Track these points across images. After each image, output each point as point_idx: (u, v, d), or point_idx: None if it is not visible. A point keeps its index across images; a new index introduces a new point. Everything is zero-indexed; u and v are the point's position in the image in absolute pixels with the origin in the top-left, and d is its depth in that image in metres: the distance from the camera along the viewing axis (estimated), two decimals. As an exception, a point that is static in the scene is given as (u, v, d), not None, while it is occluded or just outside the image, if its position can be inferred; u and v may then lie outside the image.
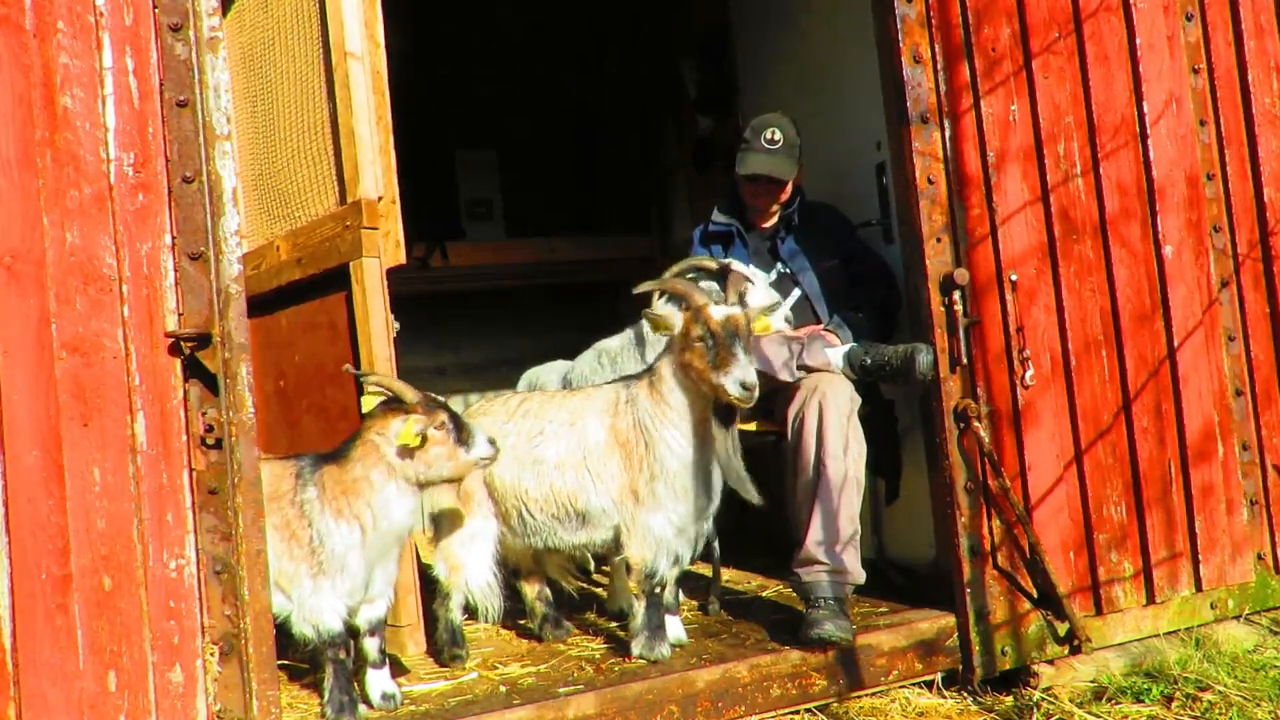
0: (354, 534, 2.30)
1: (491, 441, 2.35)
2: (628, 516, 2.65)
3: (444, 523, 2.74)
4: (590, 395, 2.78)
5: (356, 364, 2.79)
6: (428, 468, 2.29)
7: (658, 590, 2.64)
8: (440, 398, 2.36)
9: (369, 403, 2.56)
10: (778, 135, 3.16)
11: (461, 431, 2.30)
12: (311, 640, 2.33)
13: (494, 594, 2.76)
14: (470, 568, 2.73)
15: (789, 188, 3.22)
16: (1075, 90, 2.96)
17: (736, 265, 3.18)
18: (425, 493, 2.50)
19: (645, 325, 3.04)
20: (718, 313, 2.49)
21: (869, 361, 2.84)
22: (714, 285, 2.89)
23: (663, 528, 2.63)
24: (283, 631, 2.29)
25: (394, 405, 2.32)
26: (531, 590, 2.98)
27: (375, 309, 2.76)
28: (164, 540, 2.11)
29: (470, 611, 2.79)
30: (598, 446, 2.67)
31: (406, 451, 2.27)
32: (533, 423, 2.74)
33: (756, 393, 2.44)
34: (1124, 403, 2.93)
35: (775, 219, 3.29)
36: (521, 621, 3.08)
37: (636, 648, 2.61)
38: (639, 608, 2.64)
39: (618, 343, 3.24)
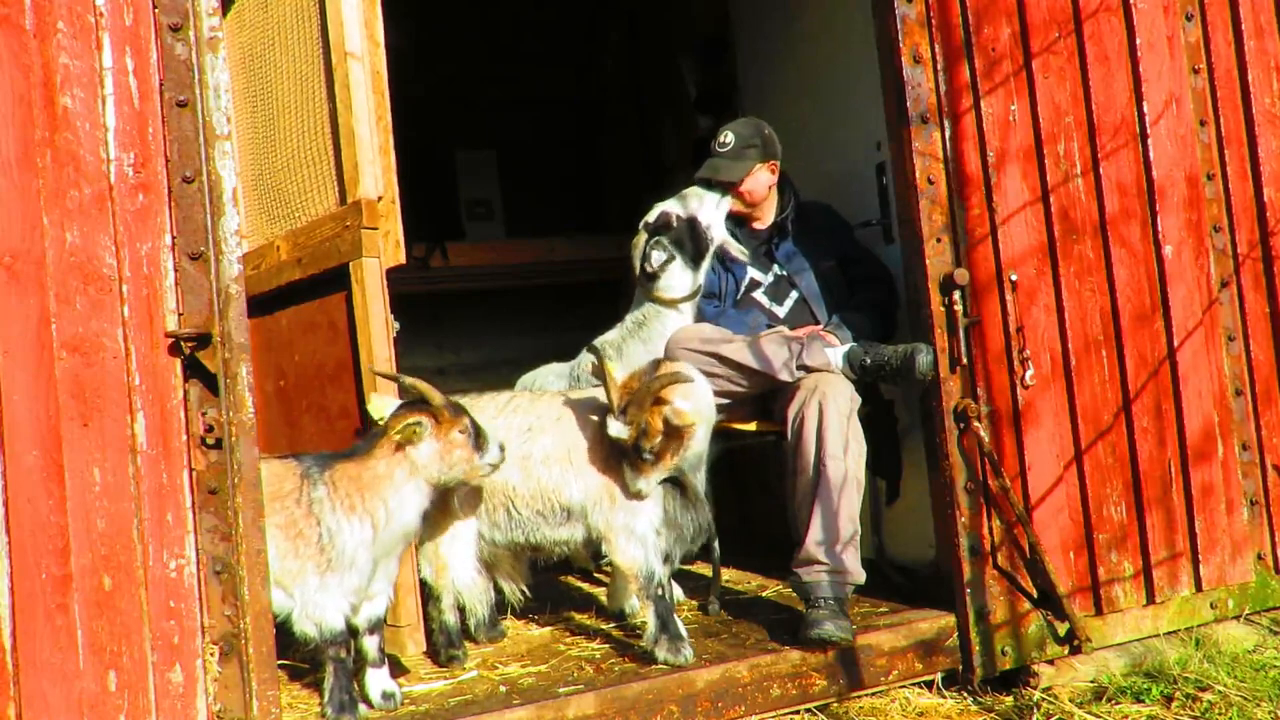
0: (365, 530, 2.31)
1: (501, 447, 2.42)
2: (603, 521, 2.65)
3: (425, 524, 2.72)
4: (581, 395, 2.80)
5: (356, 365, 2.79)
6: (449, 469, 2.36)
7: (659, 592, 2.63)
8: (460, 402, 2.42)
9: (375, 403, 2.55)
10: (729, 138, 3.18)
11: (479, 437, 2.38)
12: (313, 639, 2.33)
13: (481, 590, 2.76)
14: (455, 567, 2.72)
15: (753, 187, 3.20)
16: (1075, 90, 2.95)
17: (731, 244, 3.21)
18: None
19: (644, 311, 3.19)
20: (612, 429, 2.55)
21: (869, 361, 2.84)
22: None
23: (645, 528, 2.63)
24: (283, 631, 2.29)
25: (417, 407, 2.35)
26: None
27: (375, 309, 2.76)
28: (164, 540, 2.11)
29: (463, 612, 2.79)
30: (582, 441, 2.68)
31: (431, 448, 2.32)
32: (521, 419, 2.74)
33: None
34: (1124, 403, 2.93)
35: (768, 221, 3.29)
36: (520, 622, 3.08)
37: (660, 654, 2.57)
38: (648, 615, 2.62)
39: (617, 334, 3.25)
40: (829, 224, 3.32)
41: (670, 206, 3.20)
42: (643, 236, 3.19)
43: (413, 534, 2.46)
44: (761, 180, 3.21)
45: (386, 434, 2.34)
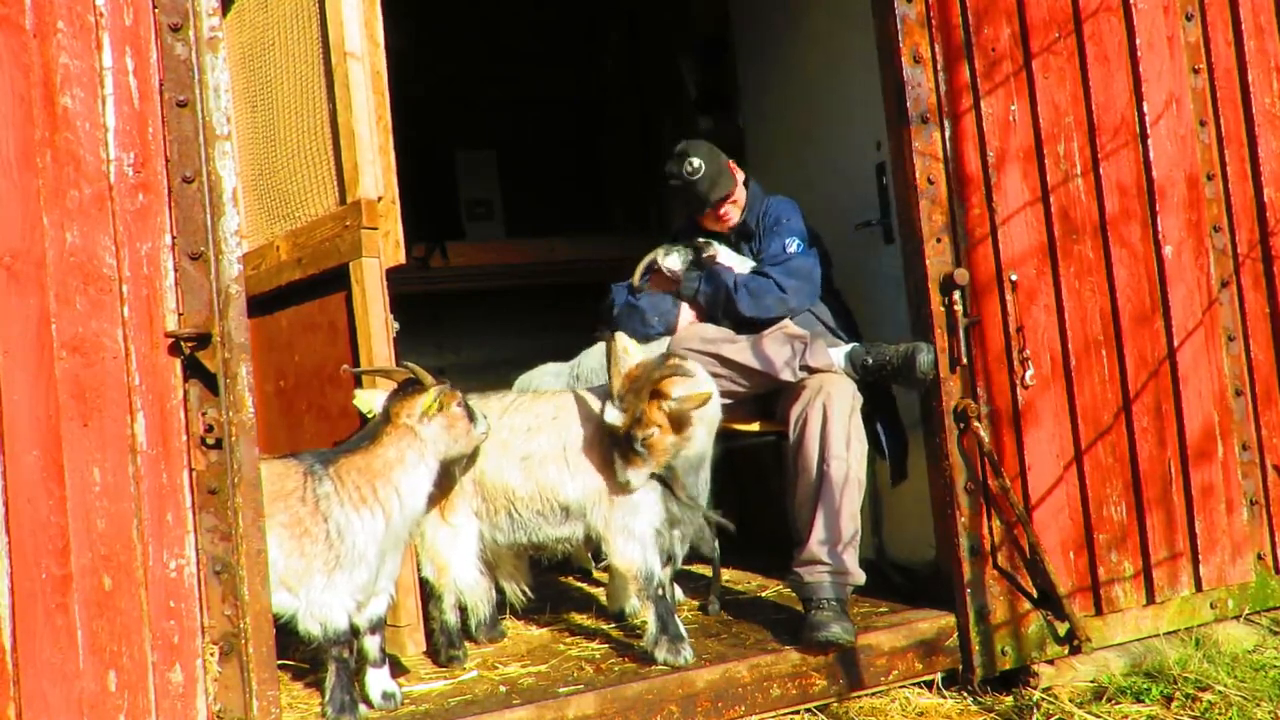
0: (377, 522, 2.33)
1: (485, 417, 2.55)
2: (601, 520, 2.65)
3: (426, 523, 2.72)
4: (580, 394, 2.80)
5: (356, 365, 2.79)
6: (455, 440, 2.45)
7: (660, 592, 2.62)
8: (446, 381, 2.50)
9: (360, 398, 2.55)
10: (696, 163, 3.12)
11: (470, 410, 2.49)
12: (316, 638, 2.33)
13: (483, 590, 2.77)
14: (457, 565, 2.72)
15: (735, 205, 3.21)
16: (1075, 90, 2.96)
17: (723, 252, 3.19)
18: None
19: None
20: (608, 415, 2.55)
21: (870, 361, 2.85)
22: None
23: (644, 528, 2.63)
24: (284, 631, 2.29)
25: (409, 390, 2.40)
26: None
27: (375, 309, 2.76)
28: (164, 540, 2.11)
29: (464, 612, 2.79)
30: (579, 440, 2.68)
31: (439, 423, 2.39)
32: (522, 418, 2.74)
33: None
34: (1124, 403, 2.93)
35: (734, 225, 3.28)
36: (520, 622, 3.08)
37: (660, 655, 2.57)
38: (649, 615, 2.61)
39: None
40: (777, 218, 3.21)
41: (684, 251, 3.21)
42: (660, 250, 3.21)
43: (420, 521, 2.52)
44: (739, 199, 3.21)
45: (390, 422, 2.37)
